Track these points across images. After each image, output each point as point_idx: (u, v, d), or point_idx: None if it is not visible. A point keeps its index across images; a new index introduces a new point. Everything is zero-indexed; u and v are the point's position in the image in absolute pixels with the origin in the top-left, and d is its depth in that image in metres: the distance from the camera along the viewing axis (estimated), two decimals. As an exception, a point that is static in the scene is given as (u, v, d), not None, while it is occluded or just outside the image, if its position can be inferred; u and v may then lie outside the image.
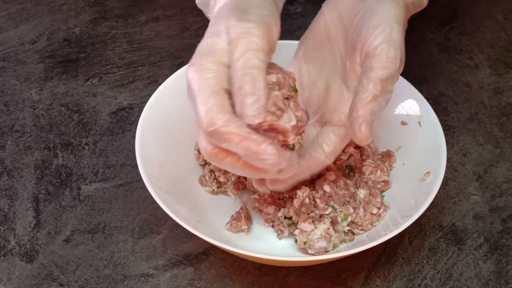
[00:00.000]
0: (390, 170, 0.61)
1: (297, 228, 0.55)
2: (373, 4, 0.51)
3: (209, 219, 0.58)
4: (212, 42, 0.46)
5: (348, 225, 0.57)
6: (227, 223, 0.58)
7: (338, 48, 0.55)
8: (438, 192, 0.54)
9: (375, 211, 0.57)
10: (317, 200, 0.56)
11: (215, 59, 0.46)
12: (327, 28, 0.56)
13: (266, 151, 0.44)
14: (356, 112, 0.48)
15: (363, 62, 0.50)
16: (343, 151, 0.61)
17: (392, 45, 0.48)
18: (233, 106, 0.45)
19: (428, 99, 0.62)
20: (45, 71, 0.76)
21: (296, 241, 0.56)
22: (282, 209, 0.57)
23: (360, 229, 0.57)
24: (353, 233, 0.57)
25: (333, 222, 0.55)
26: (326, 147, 0.54)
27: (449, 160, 0.61)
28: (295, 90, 0.50)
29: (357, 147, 0.62)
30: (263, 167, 0.45)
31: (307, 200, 0.56)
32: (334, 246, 0.55)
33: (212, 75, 0.45)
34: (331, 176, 0.58)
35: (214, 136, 0.44)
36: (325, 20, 0.56)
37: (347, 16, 0.54)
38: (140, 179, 0.57)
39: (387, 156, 0.61)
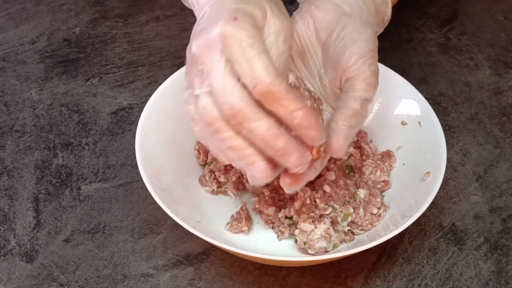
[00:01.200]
0: (390, 170, 0.61)
1: (297, 228, 0.55)
2: (353, 31, 0.52)
3: (209, 219, 0.58)
4: (245, 10, 0.45)
5: (348, 225, 0.57)
6: (227, 224, 0.58)
7: (315, 60, 0.55)
8: (438, 192, 0.54)
9: (375, 211, 0.57)
10: (317, 200, 0.56)
11: (254, 22, 0.45)
12: (302, 39, 0.55)
13: (318, 125, 0.45)
14: (335, 123, 0.49)
15: (344, 83, 0.51)
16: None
17: (373, 74, 0.51)
18: None
19: (428, 99, 0.62)
20: (45, 71, 0.76)
21: (296, 241, 0.56)
22: (282, 210, 0.57)
23: (360, 229, 0.57)
24: (353, 233, 0.57)
25: (333, 222, 0.55)
26: None
27: (449, 160, 0.61)
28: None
29: (357, 147, 0.62)
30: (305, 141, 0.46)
31: (308, 201, 0.56)
32: (334, 246, 0.55)
33: (258, 34, 0.44)
34: (331, 176, 0.58)
35: (269, 96, 0.43)
36: (300, 32, 0.55)
37: (324, 33, 0.54)
38: (140, 179, 0.57)
39: (387, 156, 0.61)
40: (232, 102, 0.43)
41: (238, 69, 0.43)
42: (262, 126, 0.43)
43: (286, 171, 0.48)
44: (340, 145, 0.49)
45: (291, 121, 0.44)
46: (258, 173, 0.45)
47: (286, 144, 0.44)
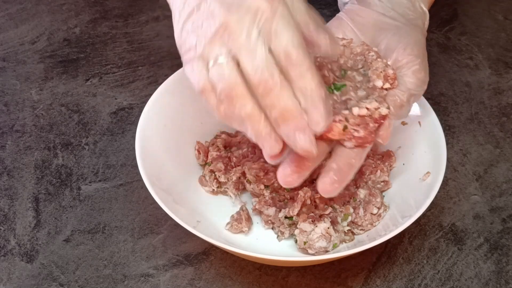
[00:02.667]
0: (390, 170, 0.61)
1: (297, 228, 0.55)
2: (404, 25, 0.57)
3: (209, 219, 0.58)
4: None
5: (348, 225, 0.57)
6: (227, 224, 0.58)
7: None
8: (438, 192, 0.54)
9: (375, 211, 0.57)
10: (317, 200, 0.56)
11: None
12: (348, 35, 0.58)
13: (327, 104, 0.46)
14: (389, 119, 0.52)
15: (397, 69, 0.54)
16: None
17: (424, 69, 0.55)
18: None
19: (428, 99, 0.62)
20: (45, 71, 0.76)
21: (296, 241, 0.56)
22: (282, 210, 0.57)
23: (360, 229, 0.57)
24: (353, 233, 0.57)
25: (333, 222, 0.55)
26: None
27: (449, 160, 0.61)
28: None
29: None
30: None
31: (308, 201, 0.56)
32: (334, 246, 0.55)
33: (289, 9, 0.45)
34: (331, 176, 0.58)
35: (297, 67, 0.43)
36: (346, 28, 0.58)
37: (372, 29, 0.57)
38: (140, 179, 0.57)
39: (387, 156, 0.61)
40: (262, 69, 0.43)
41: (273, 39, 0.43)
42: (288, 100, 0.43)
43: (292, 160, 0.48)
44: (388, 136, 0.52)
45: (305, 91, 0.44)
46: (269, 147, 0.45)
47: (303, 121, 0.44)
